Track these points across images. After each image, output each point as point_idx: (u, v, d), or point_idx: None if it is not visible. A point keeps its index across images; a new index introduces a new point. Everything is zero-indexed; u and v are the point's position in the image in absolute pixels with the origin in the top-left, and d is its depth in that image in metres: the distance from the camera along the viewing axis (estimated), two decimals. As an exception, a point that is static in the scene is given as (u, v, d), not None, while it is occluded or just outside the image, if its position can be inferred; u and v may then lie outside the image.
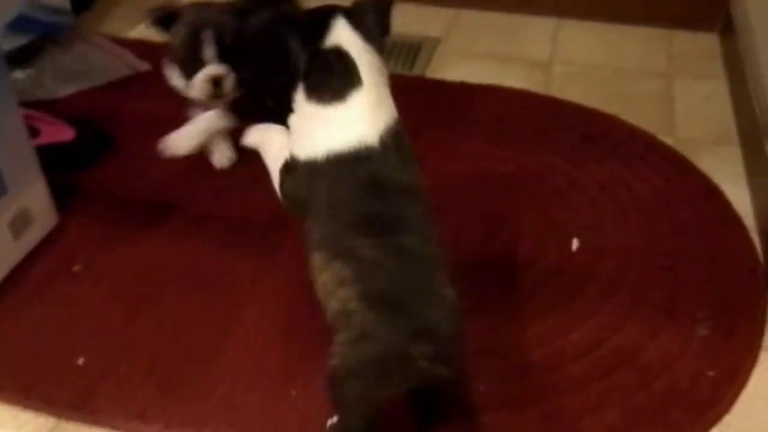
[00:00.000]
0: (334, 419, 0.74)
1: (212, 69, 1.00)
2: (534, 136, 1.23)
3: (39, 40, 1.44)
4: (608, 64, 1.46)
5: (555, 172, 1.15)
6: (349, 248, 0.68)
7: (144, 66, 1.42)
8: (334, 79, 0.73)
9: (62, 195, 1.08)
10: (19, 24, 1.38)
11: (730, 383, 0.84)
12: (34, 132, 1.21)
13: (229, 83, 1.01)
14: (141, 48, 1.50)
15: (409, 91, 1.36)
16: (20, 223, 0.99)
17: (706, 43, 1.52)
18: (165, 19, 1.02)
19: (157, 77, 1.40)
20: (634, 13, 1.59)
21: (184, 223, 1.06)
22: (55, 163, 1.15)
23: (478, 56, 1.51)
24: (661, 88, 1.39)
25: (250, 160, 1.07)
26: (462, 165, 1.17)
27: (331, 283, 0.68)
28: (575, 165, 1.17)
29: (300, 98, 0.75)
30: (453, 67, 1.46)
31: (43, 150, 1.16)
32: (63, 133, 1.22)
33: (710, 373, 0.84)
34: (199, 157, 1.17)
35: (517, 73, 1.44)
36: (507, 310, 0.92)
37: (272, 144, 0.80)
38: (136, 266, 1.00)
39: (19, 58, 1.41)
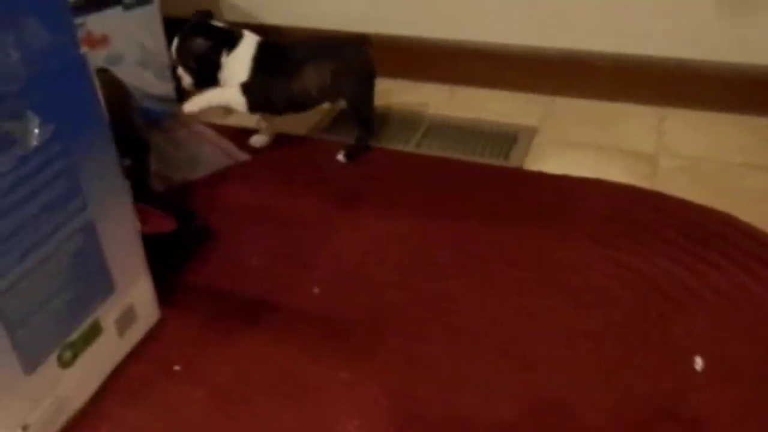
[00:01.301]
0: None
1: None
2: (642, 236, 1.18)
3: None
4: (717, 157, 1.40)
5: (668, 278, 1.08)
6: None
7: (244, 156, 1.45)
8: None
9: (161, 288, 1.08)
10: (128, 113, 1.44)
11: None
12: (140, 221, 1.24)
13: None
14: (240, 137, 1.53)
15: (507, 184, 1.34)
16: (125, 321, 1.00)
17: (824, 134, 1.44)
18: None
19: (256, 167, 1.43)
20: (743, 102, 1.53)
21: (282, 321, 1.05)
22: (154, 254, 1.18)
23: (578, 146, 1.47)
24: (776, 182, 1.31)
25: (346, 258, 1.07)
26: (565, 265, 1.12)
27: None
28: (690, 270, 1.10)
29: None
30: (552, 158, 1.43)
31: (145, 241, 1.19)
32: (166, 224, 1.24)
33: None
34: (291, 247, 1.17)
35: (619, 165, 1.39)
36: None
37: (216, 93, 1.40)
38: (234, 368, 0.98)
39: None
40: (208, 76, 1.37)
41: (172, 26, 1.47)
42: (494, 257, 1.15)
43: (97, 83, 0.87)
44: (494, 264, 1.13)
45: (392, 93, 1.72)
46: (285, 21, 1.85)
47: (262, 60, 1.37)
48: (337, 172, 1.40)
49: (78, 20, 1.30)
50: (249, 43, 1.37)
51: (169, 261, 1.18)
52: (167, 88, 1.50)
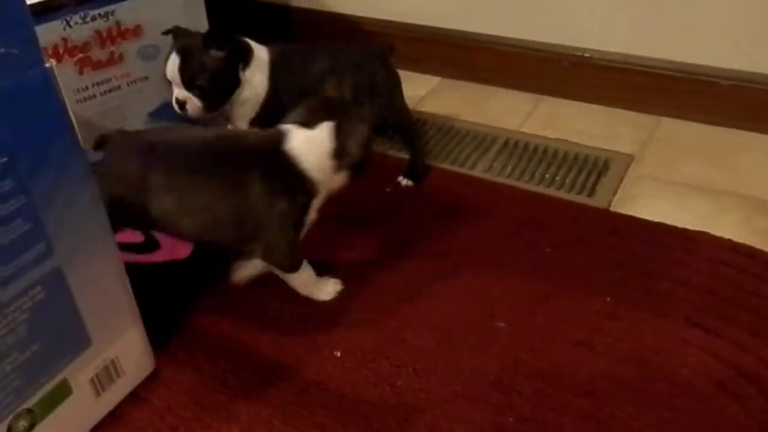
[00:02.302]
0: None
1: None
2: (757, 321, 0.92)
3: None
4: None
5: (786, 387, 0.83)
6: None
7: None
8: None
9: (162, 328, 0.93)
10: (163, 111, 1.29)
11: None
12: (154, 245, 1.10)
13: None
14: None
15: (589, 230, 1.10)
16: (105, 379, 0.84)
17: None
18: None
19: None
20: None
21: (293, 394, 0.87)
22: (164, 284, 1.03)
23: (683, 185, 1.20)
24: None
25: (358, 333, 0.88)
26: (650, 357, 0.88)
27: None
28: (818, 379, 0.84)
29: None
30: (648, 199, 1.17)
31: (157, 267, 1.05)
32: (182, 249, 1.09)
33: None
34: (310, 310, 0.99)
35: (734, 214, 1.12)
36: None
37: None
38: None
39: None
40: (221, 99, 1.14)
41: (215, 7, 1.30)
42: (561, 335, 0.92)
43: (65, 102, 0.70)
44: (559, 345, 0.91)
45: (467, 100, 1.49)
46: (360, 11, 1.65)
47: (278, 75, 1.16)
48: (383, 203, 1.20)
49: (106, 9, 1.14)
50: (262, 55, 1.16)
51: (178, 294, 1.02)
52: (209, 85, 1.33)
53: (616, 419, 0.81)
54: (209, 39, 1.11)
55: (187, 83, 1.11)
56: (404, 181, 1.22)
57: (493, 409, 0.83)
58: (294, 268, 0.95)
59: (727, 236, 1.06)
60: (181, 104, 1.13)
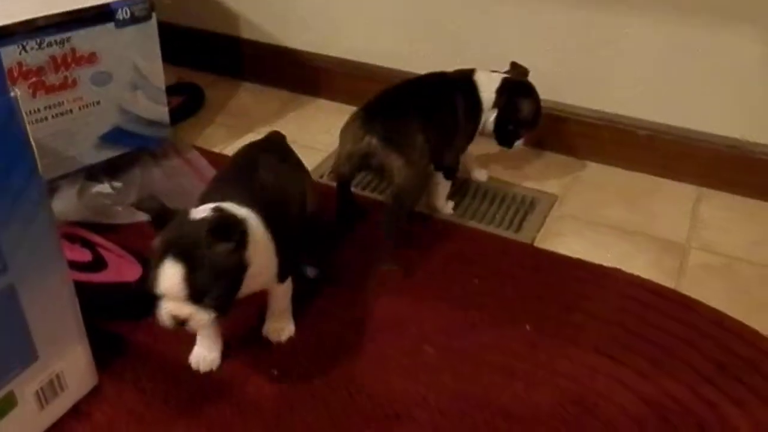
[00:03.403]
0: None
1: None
2: (658, 352, 1.02)
3: (133, 152, 1.39)
4: (759, 259, 1.23)
5: (681, 413, 0.92)
6: None
7: (231, 196, 1.32)
8: None
9: (104, 350, 0.96)
10: (113, 136, 1.33)
11: None
12: (101, 264, 1.13)
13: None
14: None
15: (513, 263, 1.19)
16: (49, 391, 0.88)
17: None
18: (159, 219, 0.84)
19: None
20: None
21: (230, 414, 0.92)
22: (109, 306, 1.06)
23: (601, 225, 1.31)
24: (825, 302, 1.14)
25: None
26: (562, 383, 0.97)
27: None
28: (708, 405, 0.94)
29: None
30: (568, 237, 1.27)
31: (102, 288, 1.08)
32: (129, 272, 1.12)
33: None
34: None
35: (645, 254, 1.23)
36: None
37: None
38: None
39: (110, 169, 1.36)
40: (233, 298, 0.84)
41: (167, 38, 1.35)
42: (485, 360, 1.00)
43: (27, 130, 0.75)
44: (482, 369, 0.98)
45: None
46: (308, 47, 1.73)
47: None
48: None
49: (62, 36, 1.19)
50: (254, 224, 0.87)
51: (124, 316, 1.06)
52: (160, 113, 1.38)
53: (529, 438, 0.89)
54: (218, 230, 0.80)
55: (196, 296, 0.80)
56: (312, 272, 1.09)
57: (416, 426, 0.90)
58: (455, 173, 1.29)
59: (637, 273, 1.17)
60: (181, 322, 0.82)
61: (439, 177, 1.29)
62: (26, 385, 0.84)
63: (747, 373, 0.98)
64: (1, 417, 0.82)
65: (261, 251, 0.87)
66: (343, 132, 1.20)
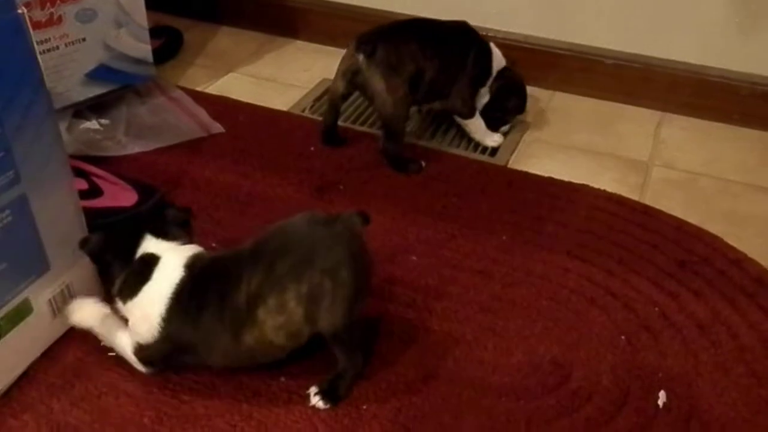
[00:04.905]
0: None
1: None
2: (623, 253, 1.10)
3: (119, 89, 1.42)
4: (715, 173, 1.32)
5: (644, 303, 1.02)
6: None
7: (217, 128, 1.38)
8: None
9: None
10: (99, 73, 1.37)
11: None
12: (97, 192, 1.18)
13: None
14: (218, 105, 1.46)
15: (490, 183, 1.26)
16: (61, 301, 0.94)
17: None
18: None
19: (228, 140, 1.36)
20: (749, 115, 1.44)
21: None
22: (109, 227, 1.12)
23: (570, 147, 1.39)
24: (775, 207, 1.24)
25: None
26: (537, 282, 1.05)
27: None
28: (669, 296, 1.03)
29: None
30: (540, 159, 1.35)
31: (99, 213, 1.13)
32: (124, 198, 1.17)
33: None
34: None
35: (611, 172, 1.31)
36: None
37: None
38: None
39: (96, 107, 1.40)
40: None
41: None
42: (465, 265, 1.08)
43: (35, 46, 0.79)
44: (463, 273, 1.06)
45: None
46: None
47: None
48: (315, 155, 1.33)
49: (47, -29, 1.22)
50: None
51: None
52: (144, 50, 1.41)
53: (509, 329, 0.98)
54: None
55: None
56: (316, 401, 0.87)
57: (407, 323, 0.98)
58: (471, 114, 1.33)
59: (603, 188, 1.25)
60: None
61: (457, 119, 1.36)
62: (40, 294, 0.90)
63: (704, 268, 1.08)
64: (18, 322, 0.88)
65: None
66: (345, 54, 1.27)
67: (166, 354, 0.86)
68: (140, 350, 0.86)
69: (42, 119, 0.83)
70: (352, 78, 1.23)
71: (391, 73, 1.21)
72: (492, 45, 1.35)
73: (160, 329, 0.82)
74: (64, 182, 0.89)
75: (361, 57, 1.20)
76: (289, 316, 0.81)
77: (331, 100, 1.32)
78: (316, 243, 0.82)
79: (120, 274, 0.85)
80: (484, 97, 1.36)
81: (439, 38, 1.28)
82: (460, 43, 1.30)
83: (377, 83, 1.20)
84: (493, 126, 1.38)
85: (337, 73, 1.27)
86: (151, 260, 0.84)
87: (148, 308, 0.83)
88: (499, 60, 1.35)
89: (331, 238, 0.82)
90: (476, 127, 1.36)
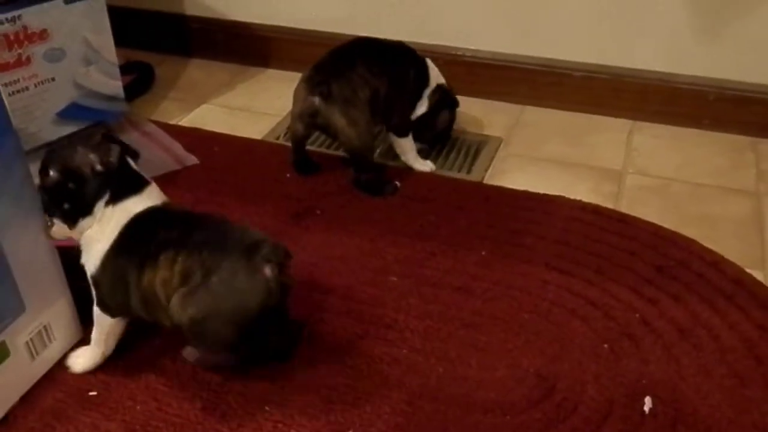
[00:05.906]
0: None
1: None
2: (602, 262, 1.11)
3: (91, 127, 1.42)
4: (687, 178, 1.34)
5: (625, 310, 1.02)
6: None
7: (192, 160, 1.38)
8: None
9: (87, 304, 1.01)
10: (71, 112, 1.36)
11: None
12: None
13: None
14: (192, 137, 1.46)
15: (467, 200, 1.27)
16: (39, 343, 0.93)
17: (800, 156, 1.39)
18: None
19: (203, 172, 1.36)
20: (717, 119, 1.46)
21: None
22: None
23: (544, 160, 1.40)
24: (748, 209, 1.25)
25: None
26: (517, 295, 1.05)
27: None
28: (649, 302, 1.04)
29: None
30: (515, 173, 1.36)
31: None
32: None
33: None
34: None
35: (585, 182, 1.33)
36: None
37: None
38: (152, 399, 0.91)
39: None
40: None
41: (116, 18, 1.39)
42: (445, 283, 1.08)
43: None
44: (444, 290, 1.06)
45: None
46: (253, 18, 1.77)
47: None
48: (291, 182, 1.33)
49: (13, 13, 1.21)
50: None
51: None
52: (115, 87, 1.42)
53: (491, 345, 0.97)
54: None
55: None
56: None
57: (389, 344, 0.97)
58: (406, 133, 1.33)
59: (578, 198, 1.26)
60: None
61: (392, 137, 1.35)
62: (17, 336, 0.89)
63: (682, 272, 1.09)
64: (-5, 367, 0.87)
65: None
66: (295, 93, 1.26)
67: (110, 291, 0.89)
68: (96, 287, 0.90)
69: (11, 159, 0.83)
70: (310, 120, 1.23)
71: (348, 107, 1.21)
72: (428, 60, 1.36)
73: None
74: (36, 222, 0.88)
75: (317, 99, 1.20)
76: (170, 276, 0.84)
77: (294, 141, 1.32)
78: (235, 252, 0.84)
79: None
80: (421, 108, 1.35)
81: (382, 55, 1.29)
82: (401, 61, 1.32)
83: (338, 120, 1.21)
84: (418, 140, 1.38)
85: (293, 116, 1.26)
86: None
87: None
88: (436, 74, 1.36)
89: (247, 258, 0.84)
90: (409, 147, 1.35)
